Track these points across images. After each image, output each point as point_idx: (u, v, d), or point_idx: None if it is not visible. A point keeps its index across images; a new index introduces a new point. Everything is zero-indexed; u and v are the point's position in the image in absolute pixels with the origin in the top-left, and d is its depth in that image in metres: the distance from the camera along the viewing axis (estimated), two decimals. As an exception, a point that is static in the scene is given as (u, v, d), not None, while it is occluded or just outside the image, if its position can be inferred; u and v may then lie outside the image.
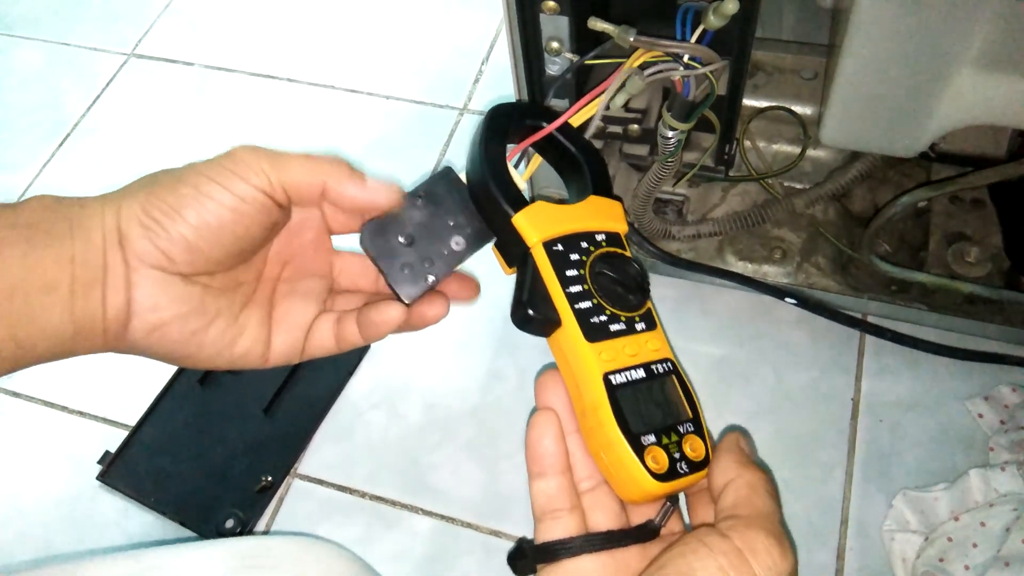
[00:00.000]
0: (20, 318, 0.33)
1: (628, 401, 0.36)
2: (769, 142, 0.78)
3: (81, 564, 0.42)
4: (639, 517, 0.37)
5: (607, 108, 0.45)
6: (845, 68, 0.52)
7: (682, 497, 0.38)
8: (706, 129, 0.62)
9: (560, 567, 0.35)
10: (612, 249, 0.40)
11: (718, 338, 0.80)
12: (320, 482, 0.76)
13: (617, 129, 0.67)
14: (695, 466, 0.36)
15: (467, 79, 1.05)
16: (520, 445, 0.38)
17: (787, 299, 0.72)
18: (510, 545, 0.72)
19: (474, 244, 0.41)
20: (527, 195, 0.40)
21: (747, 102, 0.76)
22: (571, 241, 0.39)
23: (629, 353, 0.37)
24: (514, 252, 0.39)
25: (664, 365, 0.38)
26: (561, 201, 0.41)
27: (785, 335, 0.79)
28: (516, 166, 0.42)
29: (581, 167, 0.42)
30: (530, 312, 0.37)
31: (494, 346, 0.82)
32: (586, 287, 0.38)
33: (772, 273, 0.77)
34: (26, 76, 1.14)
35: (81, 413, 0.83)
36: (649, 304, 0.39)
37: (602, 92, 0.44)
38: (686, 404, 0.38)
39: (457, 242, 0.41)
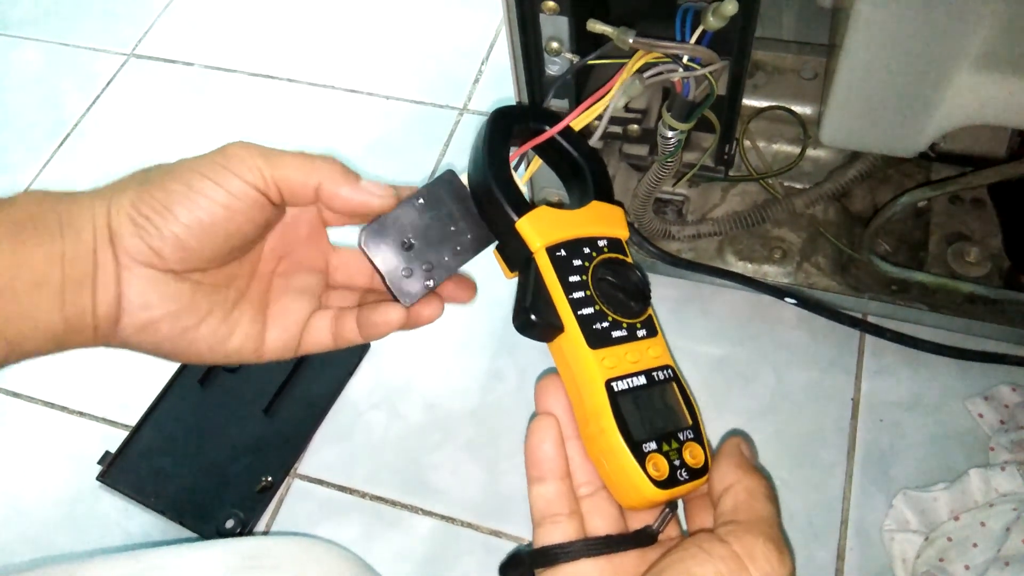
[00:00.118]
0: (9, 316, 0.32)
1: (629, 408, 0.36)
2: (769, 142, 0.78)
3: (81, 564, 0.42)
4: (637, 523, 0.37)
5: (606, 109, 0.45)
6: (845, 68, 0.52)
7: (679, 502, 0.38)
8: (706, 129, 0.62)
9: (558, 571, 0.35)
10: (614, 255, 0.40)
11: (718, 338, 0.80)
12: (320, 482, 0.76)
13: (617, 129, 0.67)
14: (695, 473, 0.36)
15: (467, 79, 1.05)
16: (520, 445, 0.37)
17: (787, 299, 0.72)
18: (510, 545, 0.72)
19: (474, 248, 0.41)
20: (527, 198, 0.40)
21: (747, 102, 0.76)
22: (574, 247, 0.39)
23: (631, 360, 0.37)
24: (516, 256, 0.39)
25: (664, 372, 0.38)
26: (560, 203, 0.41)
27: (785, 335, 0.79)
28: (516, 168, 0.42)
29: (582, 171, 0.42)
30: (533, 317, 0.37)
31: (494, 346, 0.82)
32: (588, 293, 0.38)
33: (772, 273, 0.77)
34: (26, 76, 1.14)
35: (81, 413, 0.83)
36: (650, 311, 0.40)
37: (604, 95, 0.44)
38: (686, 411, 0.38)
39: (457, 247, 0.41)
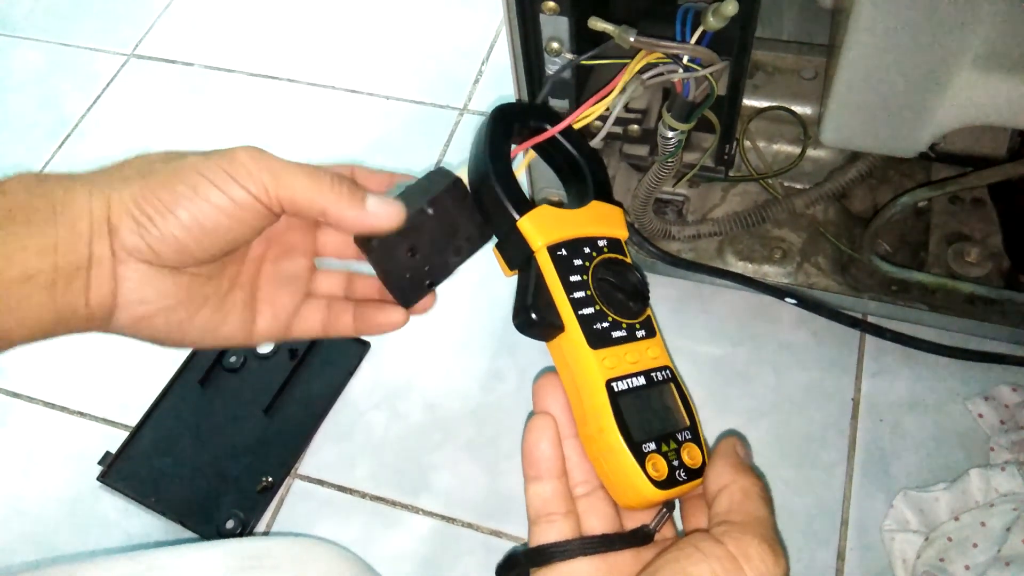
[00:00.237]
0: None
1: (629, 408, 0.36)
2: (769, 142, 0.78)
3: (81, 565, 0.42)
4: (633, 523, 0.37)
5: (607, 110, 0.45)
6: (845, 68, 0.52)
7: (676, 503, 0.38)
8: (706, 129, 0.62)
9: (554, 570, 0.35)
10: (614, 255, 0.40)
11: (718, 338, 0.80)
12: (320, 482, 0.76)
13: (617, 129, 0.67)
14: (692, 474, 0.36)
15: (467, 79, 1.05)
16: (520, 445, 0.38)
17: (787, 299, 0.72)
18: (510, 545, 0.72)
19: (472, 248, 0.41)
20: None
21: (747, 102, 0.76)
22: (574, 246, 0.39)
23: (630, 360, 0.37)
24: (517, 255, 0.39)
25: (663, 373, 0.38)
26: (560, 203, 0.41)
27: (785, 335, 0.79)
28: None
29: (582, 171, 0.42)
30: (533, 316, 0.37)
31: (494, 346, 0.82)
32: (589, 293, 0.38)
33: (772, 273, 0.77)
34: (26, 77, 1.14)
35: (81, 413, 0.83)
36: (649, 311, 0.40)
37: (607, 96, 0.44)
38: (684, 412, 0.38)
39: (459, 249, 0.41)
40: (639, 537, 0.36)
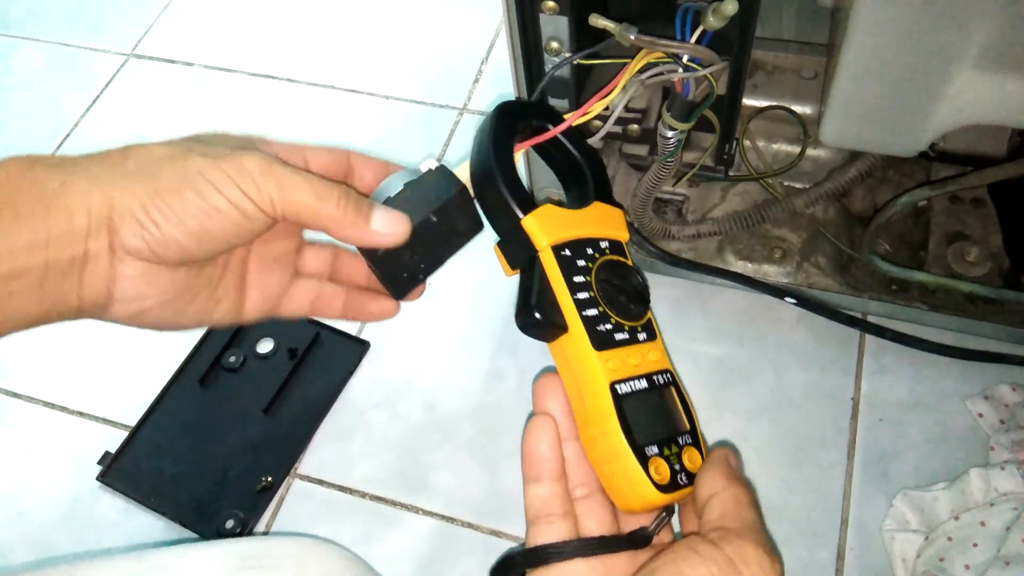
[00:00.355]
0: None
1: (633, 411, 0.36)
2: (769, 142, 0.78)
3: (81, 565, 0.42)
4: (630, 527, 0.37)
5: (607, 109, 0.45)
6: (845, 68, 0.52)
7: (675, 506, 0.38)
8: (706, 129, 0.62)
9: (551, 570, 0.35)
10: (616, 257, 0.40)
11: (718, 338, 0.80)
12: (320, 482, 0.76)
13: (617, 129, 0.67)
14: (693, 478, 0.36)
15: (467, 79, 1.05)
16: (520, 446, 0.38)
17: (787, 299, 0.72)
18: (510, 545, 0.72)
19: (467, 240, 0.41)
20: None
21: (747, 102, 0.76)
22: (578, 247, 0.38)
23: (632, 363, 0.37)
24: (519, 254, 0.38)
25: (664, 376, 0.38)
26: (560, 203, 0.41)
27: (785, 335, 0.79)
28: None
29: (583, 172, 0.42)
30: (537, 316, 0.36)
31: (494, 346, 0.82)
32: (592, 294, 0.37)
33: (772, 273, 0.77)
34: (26, 77, 1.14)
35: (81, 413, 0.83)
36: (649, 314, 0.40)
37: (608, 95, 0.44)
38: (684, 416, 0.38)
39: (454, 244, 0.41)
40: (637, 540, 0.36)
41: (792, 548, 0.69)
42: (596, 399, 0.36)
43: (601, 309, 0.37)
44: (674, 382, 0.39)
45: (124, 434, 0.79)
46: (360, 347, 0.83)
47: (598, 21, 0.47)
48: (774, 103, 0.76)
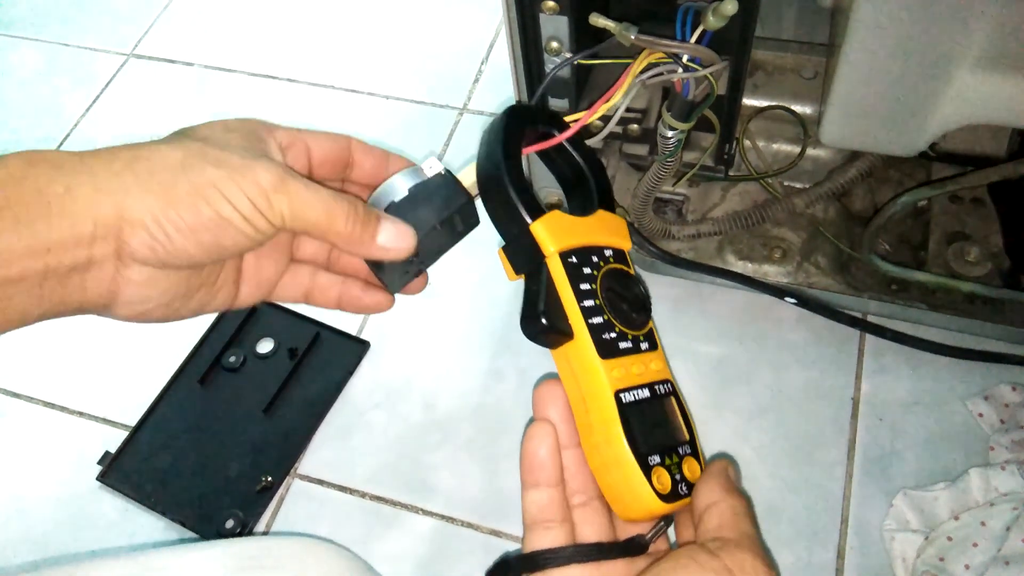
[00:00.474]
0: None
1: (636, 420, 0.36)
2: (769, 141, 0.78)
3: (81, 565, 0.42)
4: (626, 535, 0.37)
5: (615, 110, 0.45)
6: (845, 67, 0.52)
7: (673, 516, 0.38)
8: (706, 128, 0.62)
9: None
10: (619, 266, 0.40)
11: (718, 338, 0.80)
12: (320, 482, 0.76)
13: (617, 129, 0.67)
14: (692, 488, 0.36)
15: (467, 79, 1.05)
16: (519, 450, 0.38)
17: (787, 298, 0.72)
18: (510, 545, 0.72)
19: (460, 237, 0.41)
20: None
21: (747, 101, 0.76)
22: (584, 254, 0.38)
23: (636, 372, 0.37)
24: (526, 259, 0.38)
25: (665, 386, 0.38)
26: (559, 204, 0.41)
27: (785, 335, 0.79)
28: None
29: (586, 179, 0.42)
30: (544, 323, 0.36)
31: (494, 346, 0.82)
32: (598, 302, 0.37)
33: (772, 272, 0.77)
34: (25, 77, 1.14)
35: (81, 413, 0.83)
36: (651, 324, 0.40)
37: (612, 97, 0.44)
38: (684, 427, 0.38)
39: (450, 242, 0.41)
40: (633, 547, 0.36)
41: (792, 548, 0.69)
42: (600, 407, 0.36)
43: (606, 317, 0.37)
44: (674, 392, 0.39)
45: (124, 434, 0.79)
46: (360, 347, 0.83)
47: (598, 21, 0.47)
48: (774, 103, 0.76)
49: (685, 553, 0.33)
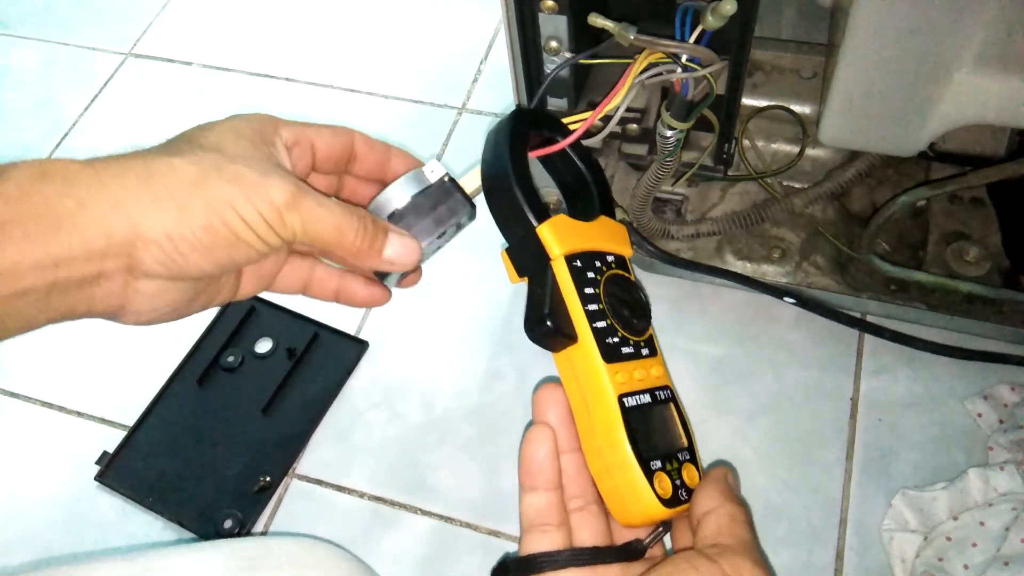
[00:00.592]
0: None
1: (638, 425, 0.36)
2: (768, 141, 0.78)
3: (79, 566, 0.42)
4: (623, 540, 0.37)
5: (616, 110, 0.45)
6: (844, 67, 0.52)
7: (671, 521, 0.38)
8: (705, 128, 0.62)
9: None
10: (621, 272, 0.40)
11: (717, 338, 0.80)
12: (319, 482, 0.76)
13: (616, 128, 0.67)
14: (691, 494, 0.36)
15: (466, 79, 1.05)
16: (518, 452, 0.38)
17: (786, 298, 0.72)
18: (509, 545, 0.72)
19: (455, 232, 0.41)
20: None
21: (746, 101, 0.76)
22: (588, 258, 0.38)
23: (637, 377, 0.37)
24: (530, 262, 0.38)
25: (664, 392, 0.39)
26: (558, 204, 0.41)
27: (784, 335, 0.79)
28: None
29: (588, 185, 0.42)
30: (550, 325, 0.36)
31: (493, 346, 0.82)
32: (601, 307, 0.38)
33: (771, 272, 0.76)
34: (24, 76, 1.14)
35: (79, 413, 0.83)
36: (651, 330, 0.40)
37: (614, 97, 0.44)
38: (683, 433, 0.38)
39: (449, 239, 0.41)
40: (631, 552, 0.36)
41: (791, 548, 0.69)
42: (603, 411, 0.36)
43: (609, 322, 0.37)
44: (674, 399, 0.39)
45: (122, 434, 0.79)
46: (359, 347, 0.83)
47: (597, 21, 0.47)
48: (773, 103, 0.76)
49: (683, 558, 0.33)
